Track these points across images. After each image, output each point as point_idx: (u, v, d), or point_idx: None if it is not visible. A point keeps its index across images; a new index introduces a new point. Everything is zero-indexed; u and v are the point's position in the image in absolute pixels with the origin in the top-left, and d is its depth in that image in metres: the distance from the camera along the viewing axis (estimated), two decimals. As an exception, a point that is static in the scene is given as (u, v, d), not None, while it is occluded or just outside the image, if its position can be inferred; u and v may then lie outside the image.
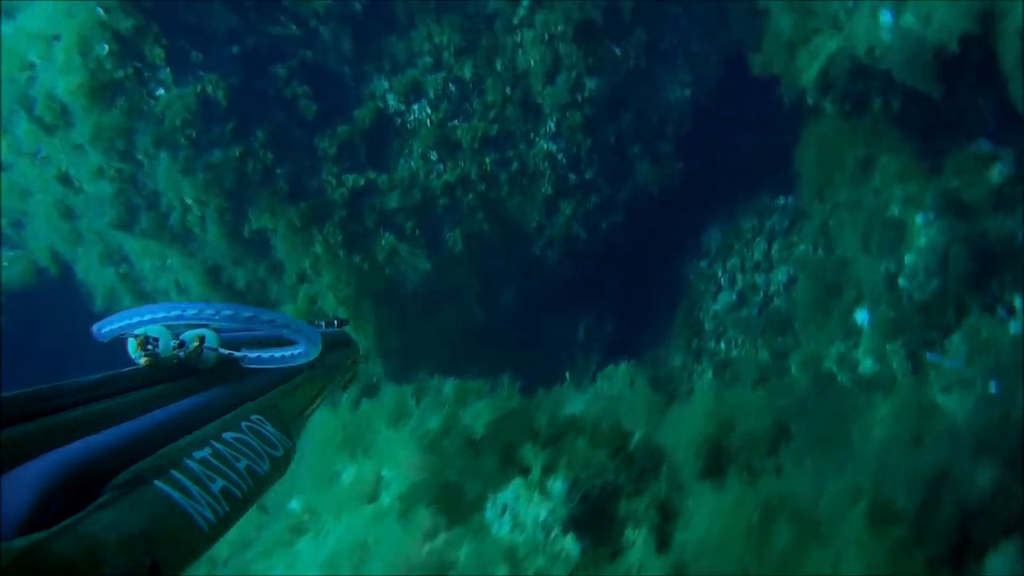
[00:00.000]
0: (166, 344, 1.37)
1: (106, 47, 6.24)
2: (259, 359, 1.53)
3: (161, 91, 6.56)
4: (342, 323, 2.11)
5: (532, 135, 9.36)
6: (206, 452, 1.16)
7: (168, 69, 6.46)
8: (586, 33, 9.62)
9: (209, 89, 6.69)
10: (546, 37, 9.39)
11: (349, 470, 5.81)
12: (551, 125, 9.42)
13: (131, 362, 1.34)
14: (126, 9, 6.14)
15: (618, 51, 9.95)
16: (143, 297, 9.87)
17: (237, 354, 1.50)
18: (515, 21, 9.31)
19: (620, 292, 11.96)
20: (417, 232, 8.22)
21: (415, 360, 9.90)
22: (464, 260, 8.74)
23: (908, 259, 8.49)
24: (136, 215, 8.25)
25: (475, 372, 9.63)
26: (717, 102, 11.68)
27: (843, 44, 7.97)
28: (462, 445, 4.81)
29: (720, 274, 11.28)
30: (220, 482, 1.14)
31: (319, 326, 1.89)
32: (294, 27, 7.43)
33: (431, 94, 8.57)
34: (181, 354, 1.38)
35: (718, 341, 11.17)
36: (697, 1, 10.77)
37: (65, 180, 8.42)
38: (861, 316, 9.43)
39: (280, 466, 1.37)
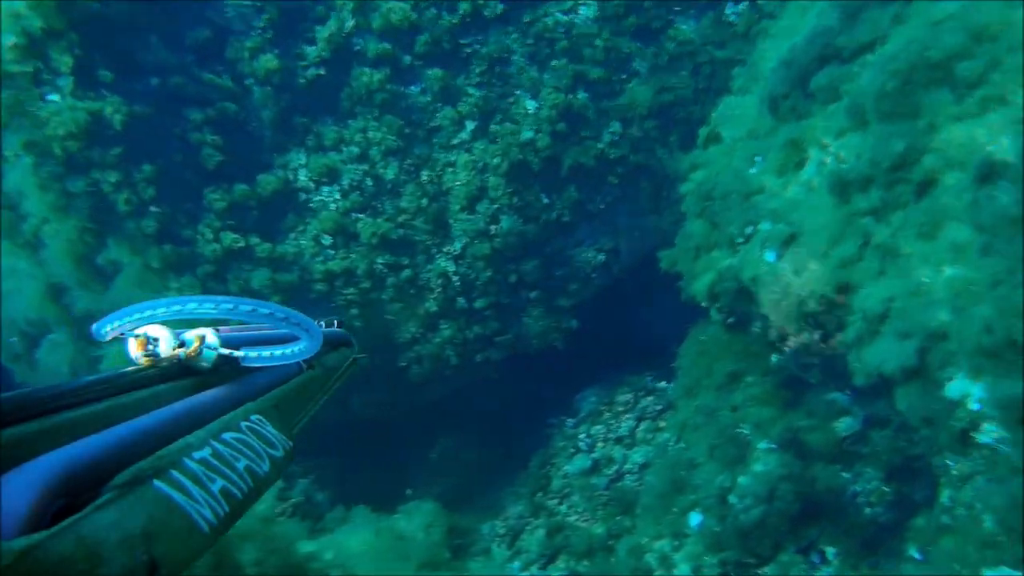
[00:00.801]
0: (166, 344, 1.33)
1: (12, 39, 6.25)
2: (259, 358, 1.49)
3: (55, 97, 6.53)
4: (341, 323, 2.06)
5: (434, 251, 9.54)
6: (206, 452, 1.15)
7: (72, 79, 6.46)
8: (520, 174, 10.04)
9: (107, 110, 6.69)
10: (480, 165, 9.76)
11: None
12: (457, 247, 9.63)
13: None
14: (43, 11, 6.19)
15: (546, 199, 10.38)
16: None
17: (237, 353, 1.45)
18: (454, 141, 9.68)
19: (484, 424, 11.94)
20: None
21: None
22: (324, 349, 8.66)
23: (742, 480, 8.70)
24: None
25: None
26: (631, 278, 12.17)
27: (734, 264, 8.44)
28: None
29: (582, 437, 11.38)
30: (220, 482, 1.12)
31: (320, 325, 1.79)
32: (228, 80, 7.58)
33: (345, 182, 8.74)
34: (181, 354, 1.35)
35: (561, 502, 11.13)
36: (633, 183, 11.40)
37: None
38: (695, 520, 9.53)
39: (280, 467, 1.34)
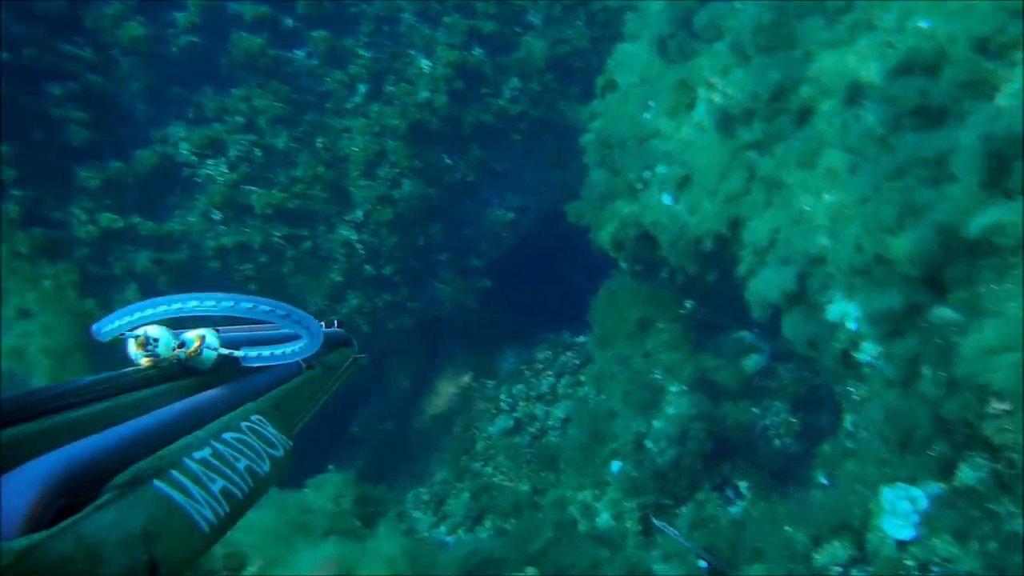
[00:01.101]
0: (166, 344, 1.32)
1: None
2: (259, 357, 1.48)
3: None
4: (341, 323, 2.04)
5: (335, 220, 9.29)
6: (206, 452, 1.14)
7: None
8: (419, 136, 9.83)
9: (-51, 88, 6.21)
10: (376, 129, 9.51)
11: None
12: (358, 214, 9.40)
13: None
14: None
15: (448, 160, 10.22)
16: None
17: (237, 353, 1.44)
18: (347, 106, 9.40)
19: (405, 394, 11.85)
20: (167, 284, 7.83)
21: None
22: (224, 328, 8.36)
23: (656, 424, 8.88)
24: None
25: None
26: (542, 235, 12.17)
27: (635, 211, 8.50)
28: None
29: (503, 398, 11.43)
30: (220, 482, 1.12)
31: (320, 325, 1.77)
32: (89, 51, 7.12)
33: (232, 154, 8.38)
34: (181, 354, 1.35)
35: (485, 463, 11.18)
36: (536, 139, 11.33)
37: None
38: (615, 468, 9.69)
39: (280, 467, 1.34)
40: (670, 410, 8.85)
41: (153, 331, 1.31)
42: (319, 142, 9.16)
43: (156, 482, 1.01)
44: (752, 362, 9.21)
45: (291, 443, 1.43)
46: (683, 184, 7.63)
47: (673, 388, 8.96)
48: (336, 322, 2.01)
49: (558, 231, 11.41)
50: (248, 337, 1.54)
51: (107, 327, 1.32)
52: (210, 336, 1.40)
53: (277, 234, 8.61)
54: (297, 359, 1.55)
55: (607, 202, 9.21)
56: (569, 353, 11.77)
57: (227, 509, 1.11)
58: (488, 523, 10.66)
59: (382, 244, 9.58)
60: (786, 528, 7.54)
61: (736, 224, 6.67)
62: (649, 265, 9.68)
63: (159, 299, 1.31)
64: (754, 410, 9.12)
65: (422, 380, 11.93)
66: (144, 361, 1.30)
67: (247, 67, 8.53)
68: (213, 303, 1.33)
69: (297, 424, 1.63)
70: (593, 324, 10.20)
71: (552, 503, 9.94)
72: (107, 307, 8.11)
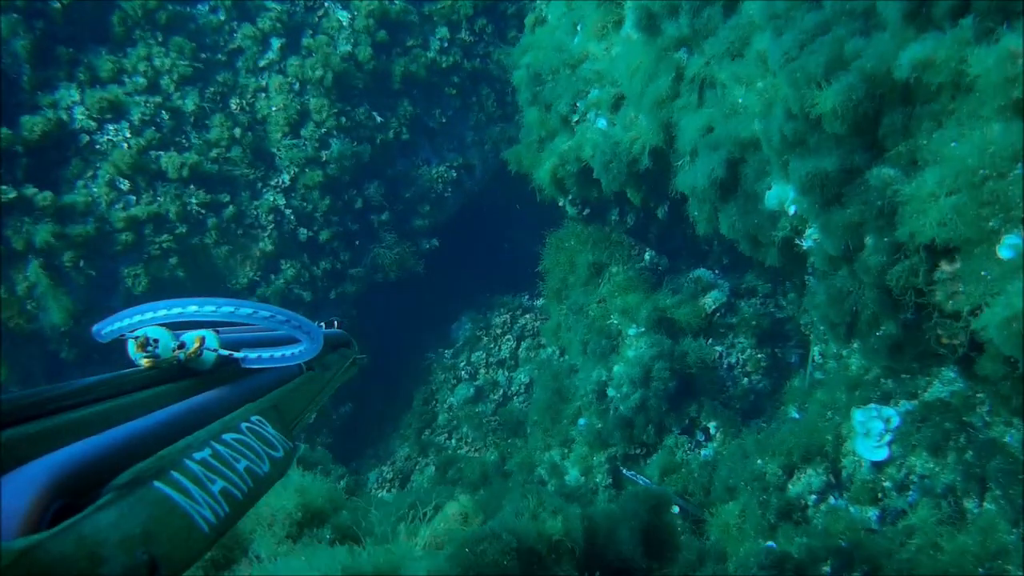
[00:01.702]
0: (166, 345, 1.35)
1: None
2: (259, 359, 1.51)
3: None
4: (341, 324, 2.11)
5: (259, 185, 8.79)
6: (206, 453, 1.15)
7: None
8: (344, 92, 9.35)
9: None
10: (296, 87, 9.01)
11: None
12: (285, 178, 8.90)
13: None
14: None
15: (379, 118, 9.74)
16: None
17: (237, 355, 1.48)
18: (261, 63, 8.89)
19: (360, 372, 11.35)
20: (81, 265, 7.29)
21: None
22: (143, 305, 7.84)
23: (617, 369, 8.47)
24: None
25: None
26: (489, 194, 11.73)
27: (573, 145, 8.08)
28: None
29: (462, 366, 10.97)
30: (220, 483, 1.13)
31: (319, 327, 1.84)
32: (-44, 6, 6.59)
33: (135, 117, 7.85)
34: (181, 355, 1.37)
35: (449, 436, 10.73)
36: (474, 92, 10.87)
37: None
38: (583, 423, 9.27)
39: (280, 467, 1.34)
40: (629, 353, 8.43)
41: (153, 332, 1.34)
42: (233, 103, 8.65)
43: (156, 483, 1.01)
44: (711, 299, 8.82)
45: (291, 444, 1.44)
46: (616, 105, 7.21)
47: (631, 331, 8.55)
48: (336, 323, 2.11)
49: (511, 191, 10.99)
50: (248, 338, 1.56)
51: (107, 329, 1.35)
52: (210, 337, 1.43)
53: (194, 201, 8.08)
54: (296, 361, 1.57)
55: (547, 143, 8.79)
56: (528, 316, 11.34)
57: (227, 510, 1.11)
58: (458, 495, 10.19)
59: (314, 208, 9.08)
60: (757, 461, 7.16)
61: (671, 131, 6.25)
62: (596, 207, 9.27)
63: (159, 303, 1.32)
64: (717, 348, 8.74)
65: (377, 357, 11.44)
66: (144, 362, 1.33)
67: (144, 23, 8.00)
68: (213, 308, 1.34)
69: (297, 424, 1.65)
70: (545, 275, 9.77)
71: (518, 466, 9.51)
72: (9, 287, 7.60)
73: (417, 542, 3.91)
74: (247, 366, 1.51)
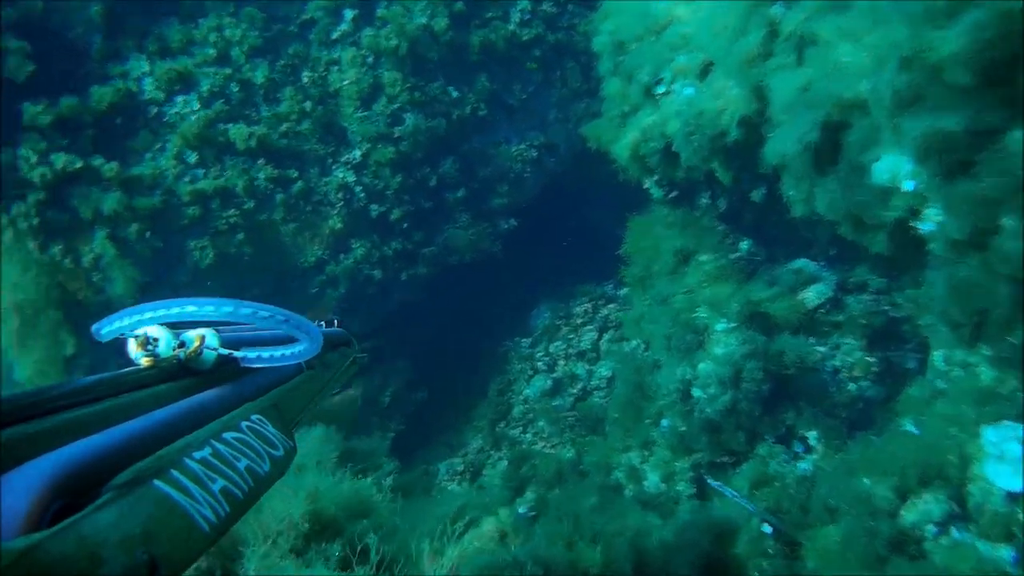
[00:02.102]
0: (166, 344, 1.36)
1: None
2: (259, 358, 1.53)
3: None
4: (340, 323, 2.12)
5: (329, 161, 8.53)
6: (206, 452, 1.16)
7: None
8: (419, 65, 8.96)
9: None
10: (370, 59, 8.69)
11: None
12: (356, 154, 8.61)
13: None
14: None
15: (455, 93, 9.29)
16: None
17: (237, 354, 1.49)
18: (334, 35, 8.61)
19: (433, 357, 11.02)
20: (147, 236, 7.22)
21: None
22: (209, 280, 7.73)
23: (703, 368, 7.70)
24: None
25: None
26: (573, 174, 11.08)
27: (657, 120, 7.36)
28: None
29: (540, 357, 10.41)
30: (220, 482, 1.14)
31: (320, 326, 1.87)
32: (28, -25, 6.59)
33: (204, 89, 7.72)
34: (181, 354, 1.39)
35: (524, 429, 10.22)
36: (557, 66, 10.24)
37: None
38: (666, 424, 8.57)
39: (280, 466, 1.35)
40: (718, 350, 7.64)
41: (153, 331, 1.35)
42: (305, 76, 8.42)
43: (156, 482, 1.02)
44: (814, 293, 7.88)
45: (291, 443, 1.43)
46: (705, 71, 6.44)
47: (719, 326, 7.75)
48: (336, 321, 2.10)
49: (592, 171, 10.33)
50: (248, 337, 1.56)
51: (107, 328, 1.35)
52: (210, 336, 1.43)
53: (262, 176, 7.90)
54: (296, 361, 1.57)
55: (628, 118, 8.08)
56: (611, 306, 10.66)
57: (227, 509, 1.11)
58: (531, 494, 9.71)
59: (386, 186, 8.74)
60: (864, 480, 6.25)
61: (763, 98, 5.45)
62: (684, 189, 8.48)
63: (158, 303, 1.34)
64: (819, 348, 7.80)
65: (451, 341, 11.09)
66: (144, 361, 1.34)
67: (217, -6, 7.86)
68: (212, 308, 1.35)
69: (298, 423, 1.63)
70: (628, 261, 9.06)
71: (595, 466, 8.90)
72: (74, 258, 7.65)
73: (442, 564, 3.39)
74: (247, 365, 1.51)
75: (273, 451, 1.34)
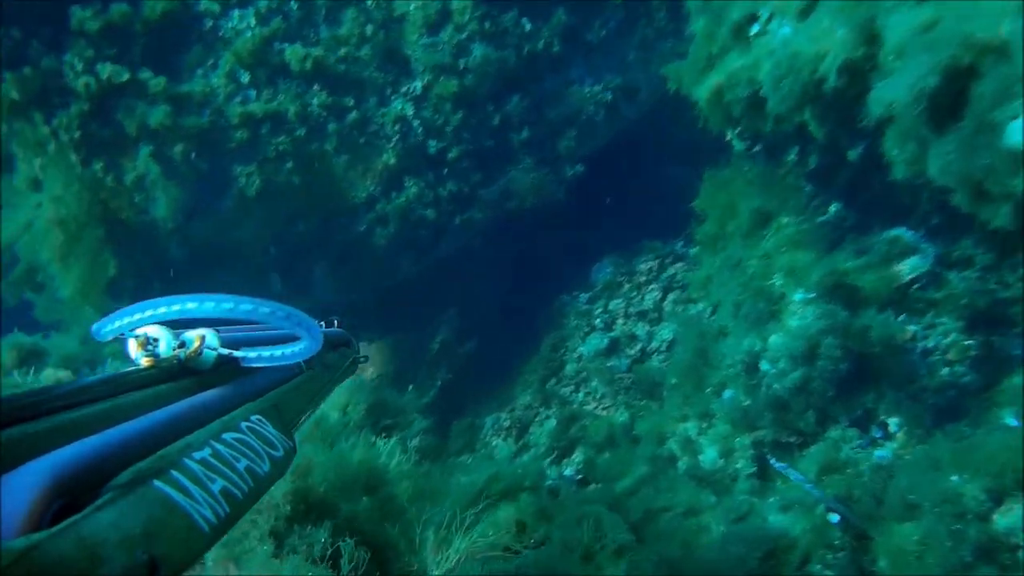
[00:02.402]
0: (166, 344, 1.37)
1: None
2: (259, 358, 1.53)
3: None
4: (341, 323, 2.16)
5: (389, 91, 8.06)
6: (206, 452, 1.16)
7: None
8: (491, -7, 8.35)
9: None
10: (438, -17, 8.12)
11: None
12: (417, 86, 8.11)
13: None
14: None
15: (528, 25, 8.66)
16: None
17: (237, 354, 1.50)
18: (402, -45, 8.05)
19: (485, 306, 10.62)
20: (192, 158, 6.93)
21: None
22: (255, 210, 7.44)
23: (774, 340, 7.06)
24: None
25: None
26: (650, 122, 10.35)
27: (747, 64, 6.61)
28: None
29: (598, 314, 9.88)
30: (220, 482, 1.13)
31: (320, 325, 1.83)
32: None
33: (262, 5, 7.30)
34: (181, 354, 1.39)
35: (576, 388, 9.77)
36: (641, 3, 9.46)
37: None
38: (728, 396, 7.99)
39: (280, 466, 1.35)
40: (792, 322, 6.97)
41: (153, 331, 1.38)
42: (369, -2, 7.92)
43: (156, 482, 1.02)
44: (909, 266, 7.08)
45: (291, 443, 1.44)
46: (807, 9, 5.67)
47: (797, 296, 7.06)
48: (336, 321, 2.18)
49: (678, 122, 9.59)
50: (249, 337, 1.60)
51: (107, 327, 1.38)
52: (210, 336, 1.47)
53: (316, 102, 7.50)
54: (296, 360, 1.59)
55: (715, 61, 7.33)
56: (679, 264, 10.01)
57: (227, 509, 1.11)
58: (579, 456, 9.30)
59: (446, 122, 8.25)
60: (952, 477, 5.59)
61: (873, 40, 4.70)
62: (770, 143, 7.70)
63: (158, 300, 1.35)
64: (911, 327, 7.04)
65: (506, 291, 10.65)
66: (145, 361, 1.36)
67: (281, -95, 7.38)
68: (213, 304, 1.36)
69: (298, 423, 1.66)
70: (700, 219, 8.39)
71: (647, 434, 8.41)
72: (117, 175, 7.45)
73: (447, 557, 2.94)
74: (247, 365, 1.51)
75: (273, 451, 1.33)
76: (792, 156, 7.61)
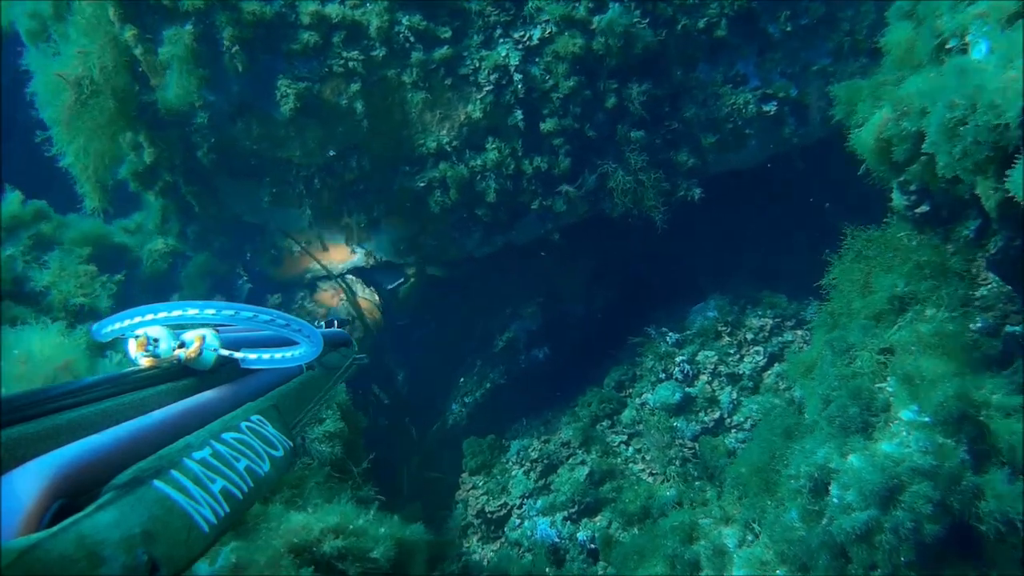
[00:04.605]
0: (167, 345, 1.48)
1: None
2: (259, 360, 1.64)
3: None
4: (341, 324, 2.32)
5: (498, 32, 7.27)
6: (206, 453, 1.23)
7: None
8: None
9: None
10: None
11: None
12: (534, 34, 7.24)
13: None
14: None
15: (690, -1, 7.49)
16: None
17: (237, 355, 1.60)
18: None
19: (556, 312, 9.56)
20: (235, 51, 6.54)
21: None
22: (307, 128, 6.96)
23: (853, 461, 5.56)
24: None
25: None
26: (816, 145, 8.75)
27: (932, 88, 5.11)
28: None
29: (680, 361, 8.49)
30: (220, 482, 1.20)
31: (319, 327, 2.03)
32: None
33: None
34: (181, 355, 1.50)
35: (628, 441, 8.51)
36: (849, 4, 7.93)
37: None
38: (790, 517, 6.56)
39: (280, 467, 1.42)
40: (886, 445, 5.44)
41: (154, 332, 1.47)
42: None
43: (156, 482, 1.07)
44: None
45: (291, 443, 1.51)
46: (1012, 19, 4.17)
47: (906, 413, 5.48)
48: (336, 323, 2.35)
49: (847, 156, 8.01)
50: (249, 338, 1.68)
51: (107, 328, 1.45)
52: (210, 337, 1.57)
53: (406, 22, 6.88)
54: (295, 363, 1.71)
55: (903, 82, 5.82)
56: (800, 332, 8.42)
57: (227, 509, 1.17)
58: (603, 520, 8.16)
59: (554, 86, 7.33)
60: None
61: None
62: (943, 206, 6.06)
63: (159, 305, 1.42)
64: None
65: (583, 305, 9.58)
66: (145, 361, 1.46)
67: None
68: (213, 311, 1.44)
69: (298, 424, 1.75)
70: (829, 290, 6.87)
71: (675, 528, 7.11)
72: (150, 50, 7.21)
73: None
74: (247, 366, 1.61)
75: (273, 451, 1.40)
76: (967, 231, 5.97)
